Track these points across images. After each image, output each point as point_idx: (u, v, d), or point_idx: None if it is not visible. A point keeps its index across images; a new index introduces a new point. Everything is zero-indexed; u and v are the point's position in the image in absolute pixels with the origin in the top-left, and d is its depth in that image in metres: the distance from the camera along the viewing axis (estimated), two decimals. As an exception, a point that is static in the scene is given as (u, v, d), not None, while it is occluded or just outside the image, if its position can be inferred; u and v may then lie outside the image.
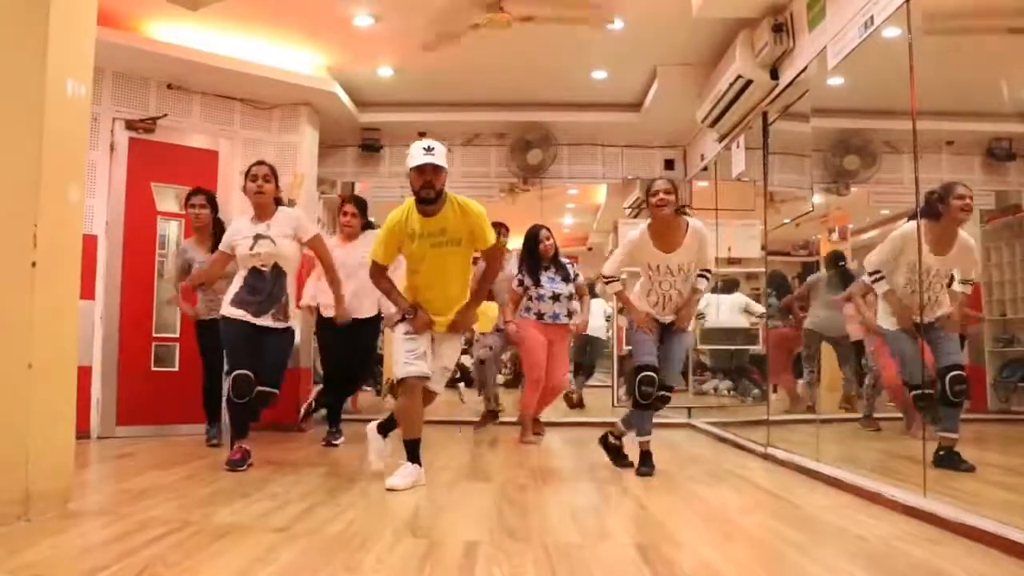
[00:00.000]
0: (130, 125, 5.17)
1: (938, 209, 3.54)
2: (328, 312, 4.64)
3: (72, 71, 2.77)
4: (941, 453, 3.36)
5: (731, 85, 4.93)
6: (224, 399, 4.02)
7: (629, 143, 7.08)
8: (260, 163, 3.95)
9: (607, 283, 3.90)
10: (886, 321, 3.86)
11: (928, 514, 2.70)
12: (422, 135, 6.89)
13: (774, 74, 4.70)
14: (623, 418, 4.00)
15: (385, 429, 3.66)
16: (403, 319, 3.45)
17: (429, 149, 3.33)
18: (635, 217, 7.51)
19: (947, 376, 3.46)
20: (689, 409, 6.46)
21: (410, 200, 3.46)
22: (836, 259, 5.54)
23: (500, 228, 5.44)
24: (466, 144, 6.93)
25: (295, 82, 5.62)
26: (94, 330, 4.93)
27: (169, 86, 5.37)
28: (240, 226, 3.89)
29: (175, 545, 2.25)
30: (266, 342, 3.80)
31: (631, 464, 3.89)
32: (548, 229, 5.17)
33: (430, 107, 6.54)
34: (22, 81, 2.61)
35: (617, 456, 4.01)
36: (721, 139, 5.80)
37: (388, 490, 3.22)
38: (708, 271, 3.86)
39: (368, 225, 4.85)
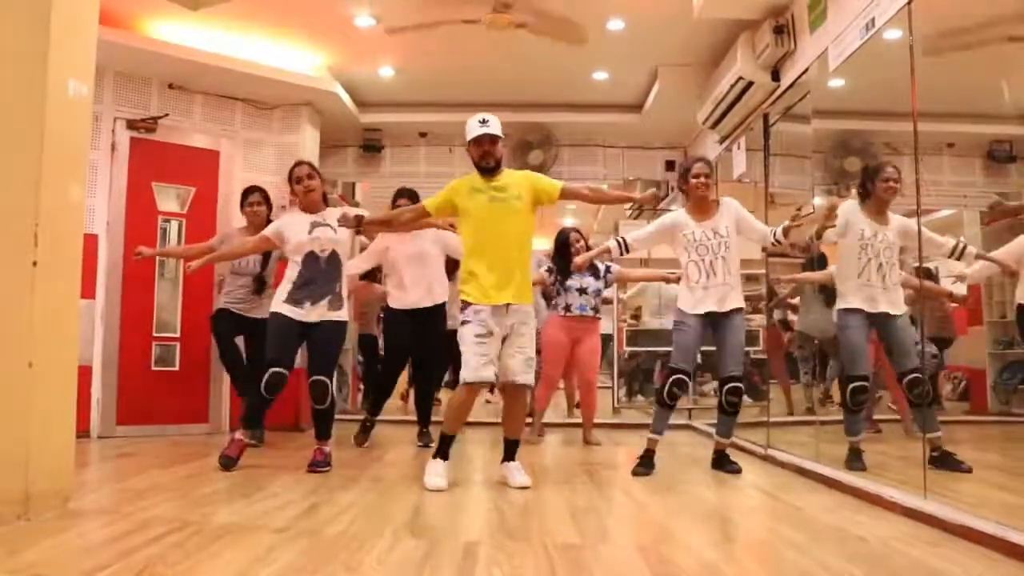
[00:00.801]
0: (131, 125, 5.17)
1: (867, 187, 3.73)
2: (398, 303, 4.70)
3: (74, 71, 2.77)
4: (935, 455, 3.36)
5: (732, 86, 4.93)
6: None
7: (630, 144, 7.09)
8: (300, 163, 3.94)
9: (618, 245, 3.96)
10: (842, 301, 3.76)
11: (928, 516, 2.70)
12: (423, 136, 6.94)
13: (775, 76, 4.70)
14: (716, 431, 4.00)
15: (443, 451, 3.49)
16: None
17: (484, 121, 3.45)
18: (636, 218, 7.51)
19: (905, 382, 3.53)
20: (689, 411, 6.46)
21: (472, 175, 3.54)
22: (820, 260, 5.53)
23: None
24: (467, 145, 6.91)
25: (296, 82, 5.62)
26: (94, 329, 4.93)
27: (170, 86, 5.38)
28: (289, 219, 3.89)
29: (175, 545, 2.25)
30: (316, 334, 3.77)
31: (739, 469, 3.85)
32: (579, 232, 5.20)
33: (431, 108, 6.55)
34: (24, 81, 2.61)
35: (723, 464, 3.92)
36: (722, 140, 5.80)
37: (433, 491, 3.23)
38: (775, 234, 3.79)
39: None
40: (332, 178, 6.91)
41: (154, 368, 5.17)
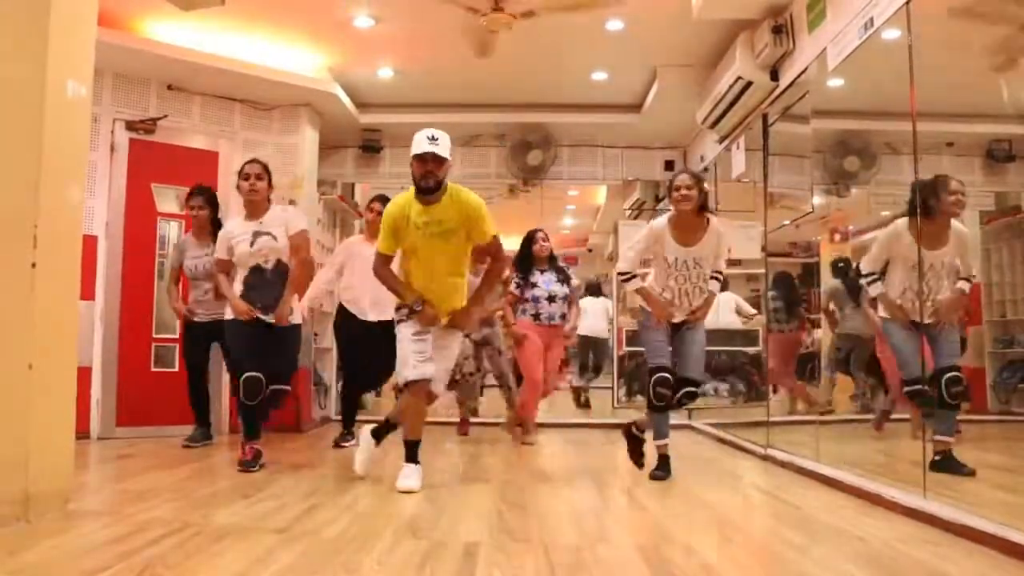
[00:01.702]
0: (130, 126, 5.17)
1: (930, 204, 3.46)
2: (351, 307, 4.69)
3: (73, 72, 2.77)
4: (937, 458, 3.28)
5: (731, 86, 4.93)
6: (238, 400, 3.90)
7: (629, 144, 7.08)
8: (253, 161, 3.95)
9: (625, 280, 3.75)
10: (886, 312, 3.75)
11: (928, 515, 2.69)
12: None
13: (774, 75, 4.70)
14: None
15: (379, 435, 3.63)
16: (409, 314, 3.37)
17: (433, 139, 3.31)
18: (635, 218, 7.51)
19: (944, 378, 3.39)
20: (689, 411, 6.45)
21: (411, 189, 3.42)
22: (836, 266, 5.55)
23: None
24: (466, 145, 6.92)
25: (295, 83, 5.62)
26: (94, 331, 4.93)
27: (169, 87, 5.38)
28: (233, 227, 3.89)
29: (175, 546, 2.25)
30: (272, 340, 3.80)
31: (642, 464, 3.79)
32: (544, 232, 5.23)
33: (430, 108, 6.53)
34: (23, 82, 2.61)
35: (635, 450, 3.84)
36: (721, 140, 5.80)
37: (404, 492, 3.20)
38: (720, 273, 3.76)
39: None
40: (331, 179, 6.91)
41: (154, 369, 5.17)
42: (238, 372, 3.80)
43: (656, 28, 5.06)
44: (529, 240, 5.13)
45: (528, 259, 5.10)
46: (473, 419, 5.79)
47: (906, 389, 3.63)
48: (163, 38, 5.10)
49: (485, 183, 6.87)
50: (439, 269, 3.43)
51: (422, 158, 3.30)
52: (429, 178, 3.30)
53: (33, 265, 2.56)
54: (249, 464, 3.69)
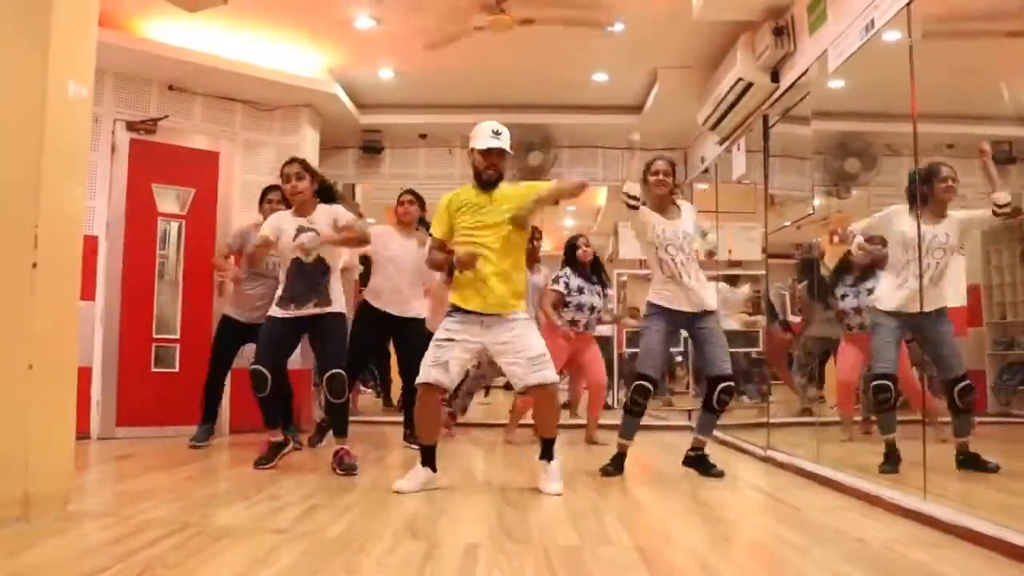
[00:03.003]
0: (131, 126, 5.17)
1: (924, 191, 3.53)
2: (375, 303, 4.62)
3: (73, 72, 2.77)
4: (962, 458, 3.41)
5: (732, 88, 4.94)
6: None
7: (630, 146, 7.06)
8: (291, 161, 3.90)
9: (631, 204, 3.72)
10: (881, 303, 3.67)
11: (928, 517, 2.70)
12: (422, 137, 6.94)
13: (775, 77, 4.71)
14: (697, 427, 3.90)
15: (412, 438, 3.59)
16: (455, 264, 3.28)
17: (497, 133, 3.37)
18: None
19: (957, 388, 3.43)
20: (689, 412, 6.46)
21: (466, 185, 3.47)
22: (809, 266, 5.56)
23: (533, 231, 5.16)
24: (467, 146, 6.90)
25: (296, 84, 5.63)
26: (94, 331, 4.93)
27: (170, 87, 5.38)
28: (282, 217, 3.87)
29: (175, 547, 2.25)
30: (317, 329, 3.78)
31: (721, 472, 3.73)
32: (586, 238, 5.18)
33: (431, 109, 6.56)
34: (23, 82, 2.61)
35: (705, 467, 3.79)
36: (722, 142, 5.81)
37: (395, 492, 3.21)
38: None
39: (422, 220, 4.76)
40: (332, 180, 6.87)
41: (154, 369, 5.16)
42: (252, 362, 3.76)
43: (656, 29, 5.06)
44: (572, 247, 5.05)
45: (574, 264, 5.04)
46: (472, 421, 5.78)
47: (874, 383, 3.57)
48: (164, 38, 5.10)
49: (485, 184, 6.86)
50: (494, 257, 3.34)
51: (487, 152, 3.36)
52: (492, 171, 3.37)
53: (34, 265, 2.56)
54: (264, 460, 3.71)
